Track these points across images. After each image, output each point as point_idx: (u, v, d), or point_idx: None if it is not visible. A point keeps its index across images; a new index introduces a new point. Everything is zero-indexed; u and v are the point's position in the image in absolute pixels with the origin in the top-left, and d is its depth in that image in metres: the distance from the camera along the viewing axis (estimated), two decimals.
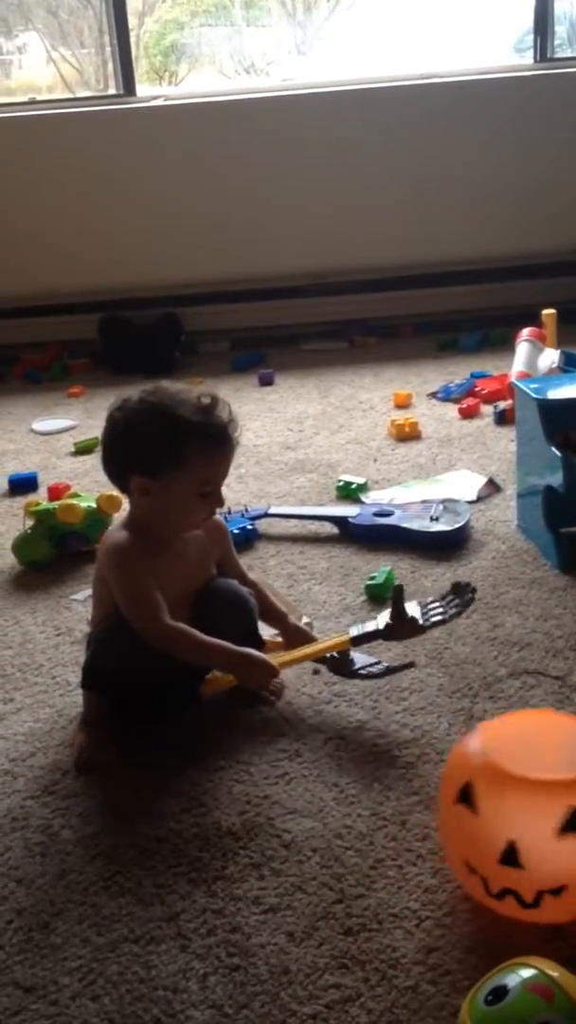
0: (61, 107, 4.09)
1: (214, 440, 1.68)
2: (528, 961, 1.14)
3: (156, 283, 4.04)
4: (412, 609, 1.79)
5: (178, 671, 1.71)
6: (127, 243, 4.02)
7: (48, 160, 3.95)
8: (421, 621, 1.77)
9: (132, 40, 4.04)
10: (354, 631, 1.82)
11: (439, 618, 1.79)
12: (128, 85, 4.04)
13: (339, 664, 1.84)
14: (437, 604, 1.82)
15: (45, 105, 4.13)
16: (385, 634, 1.79)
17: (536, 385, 2.31)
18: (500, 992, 1.11)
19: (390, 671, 1.82)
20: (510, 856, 1.24)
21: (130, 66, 4.02)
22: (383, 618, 1.82)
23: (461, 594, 1.82)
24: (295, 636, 1.88)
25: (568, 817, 1.22)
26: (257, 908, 1.40)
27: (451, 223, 4.00)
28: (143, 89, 4.16)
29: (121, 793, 1.65)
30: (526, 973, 1.12)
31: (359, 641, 1.82)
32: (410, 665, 1.84)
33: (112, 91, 4.12)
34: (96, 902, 1.43)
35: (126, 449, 1.71)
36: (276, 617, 1.89)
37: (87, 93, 4.39)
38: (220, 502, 1.74)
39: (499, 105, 3.92)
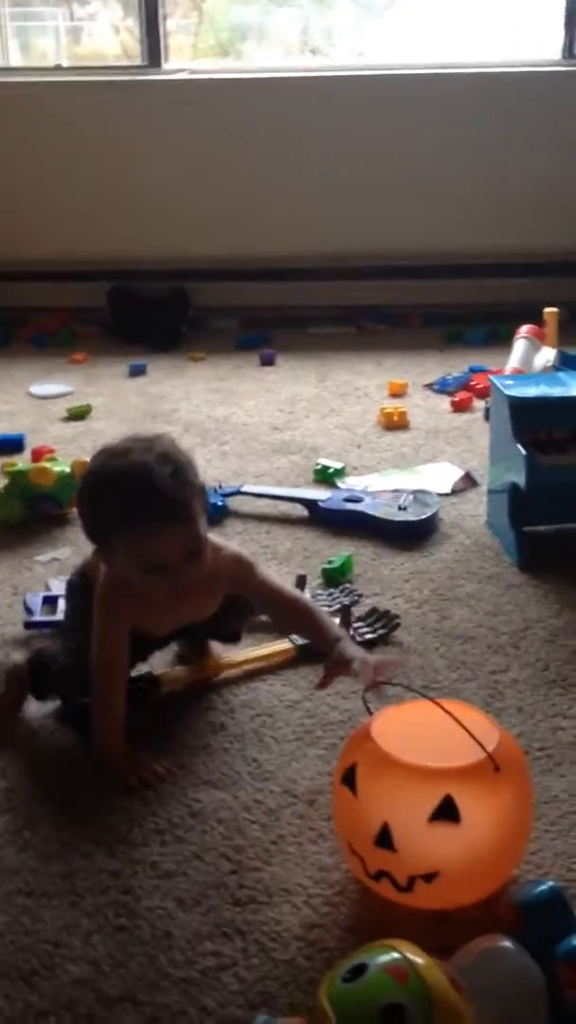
0: (86, 75, 4.10)
1: (141, 527, 1.50)
2: (395, 944, 1.15)
3: (168, 256, 4.05)
4: None
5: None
6: (142, 214, 4.04)
7: (70, 128, 3.97)
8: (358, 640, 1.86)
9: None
10: (300, 640, 1.86)
11: (371, 636, 1.93)
12: (154, 56, 4.04)
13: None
14: (363, 625, 1.95)
15: (70, 72, 4.15)
16: None
17: (511, 382, 2.31)
18: (358, 970, 1.12)
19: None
20: (384, 838, 1.26)
21: (157, 37, 4.02)
22: None
23: (386, 621, 1.97)
24: (337, 665, 1.60)
25: (441, 804, 1.23)
26: (153, 873, 1.42)
27: (468, 215, 3.98)
28: (178, 63, 4.16)
29: (43, 754, 1.67)
30: (387, 955, 1.13)
31: (304, 649, 1.85)
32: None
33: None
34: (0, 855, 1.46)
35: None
36: (325, 640, 1.63)
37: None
38: (178, 576, 1.53)
39: (524, 99, 3.89)
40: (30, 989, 1.24)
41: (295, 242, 4.03)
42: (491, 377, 2.47)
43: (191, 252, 4.06)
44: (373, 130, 3.93)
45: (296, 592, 1.76)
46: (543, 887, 1.22)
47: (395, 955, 1.13)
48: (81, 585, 1.72)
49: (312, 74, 4.02)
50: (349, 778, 1.31)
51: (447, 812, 1.23)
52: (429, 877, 1.25)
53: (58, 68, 4.22)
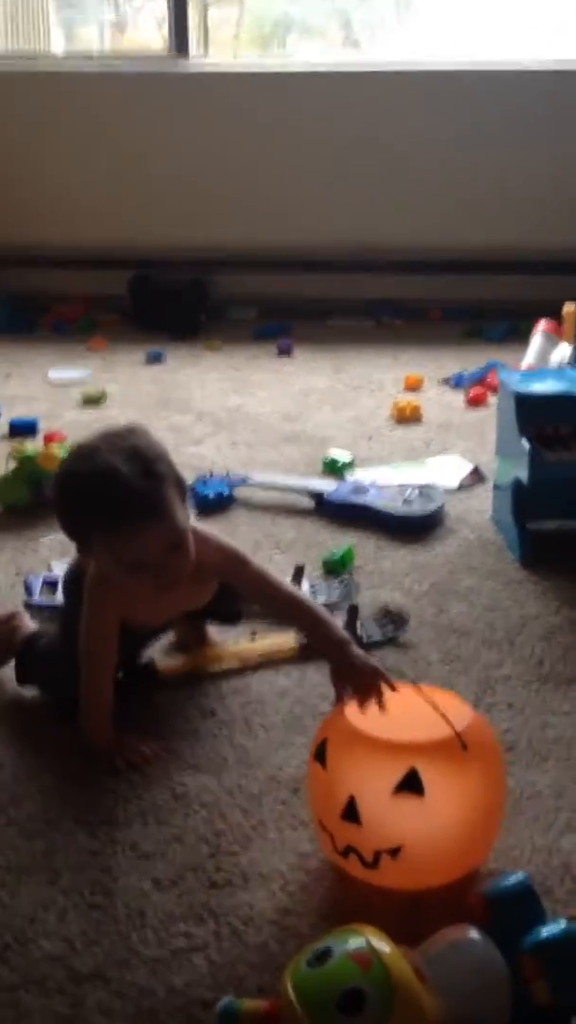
0: (111, 65, 4.11)
1: (116, 529, 1.49)
2: (360, 930, 1.15)
3: (189, 245, 4.08)
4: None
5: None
6: (165, 203, 4.06)
7: (95, 116, 4.01)
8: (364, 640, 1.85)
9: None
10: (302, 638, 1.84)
11: (378, 638, 1.90)
12: (180, 46, 4.05)
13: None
14: (372, 624, 1.93)
15: (96, 62, 4.17)
16: None
17: (519, 378, 2.30)
18: (323, 955, 1.12)
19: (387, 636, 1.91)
20: (351, 811, 1.27)
21: (184, 27, 4.03)
22: None
23: (397, 621, 1.94)
24: (347, 672, 1.48)
25: (405, 777, 1.24)
26: (132, 853, 1.43)
27: (490, 211, 3.98)
28: (212, 55, 4.18)
29: (35, 733, 1.69)
30: (352, 941, 1.13)
31: (307, 648, 1.83)
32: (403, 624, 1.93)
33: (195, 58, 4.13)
34: None
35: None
36: (328, 641, 1.54)
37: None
38: (160, 572, 1.51)
39: (554, 96, 3.87)
40: (2, 963, 1.25)
41: (316, 233, 4.03)
42: (499, 372, 2.46)
43: (212, 241, 4.07)
44: (396, 123, 3.94)
45: (292, 587, 1.72)
46: (512, 879, 1.22)
47: (360, 941, 1.13)
48: (74, 579, 1.71)
49: (337, 68, 4.02)
50: (320, 753, 1.33)
51: (411, 785, 1.24)
52: (394, 852, 1.26)
53: (86, 57, 4.23)
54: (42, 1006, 1.20)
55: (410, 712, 1.33)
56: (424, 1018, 1.08)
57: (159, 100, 3.96)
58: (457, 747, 1.28)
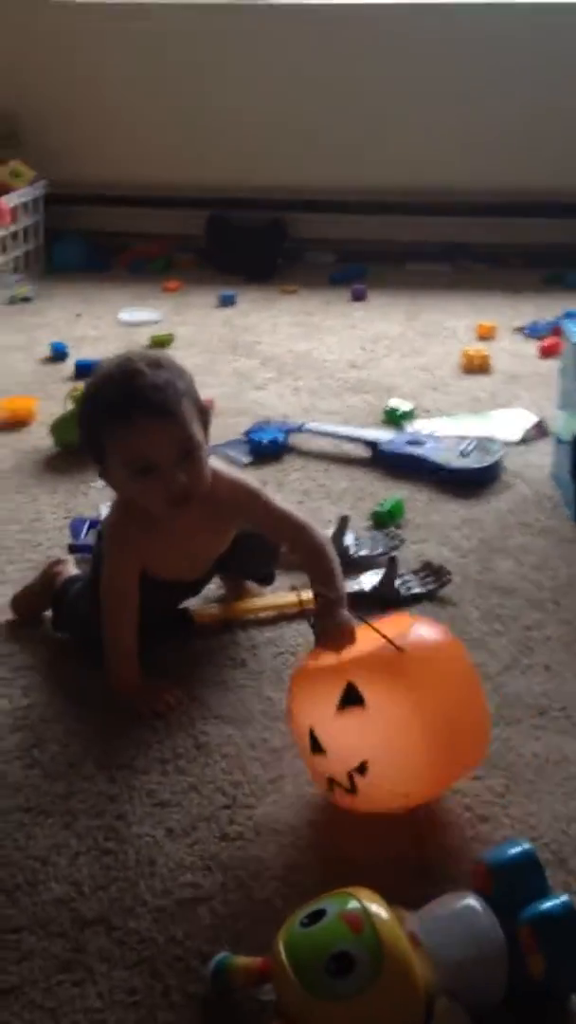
0: None
1: (128, 423, 1.50)
2: (356, 892, 1.14)
3: (268, 185, 4.01)
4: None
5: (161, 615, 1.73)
6: (243, 142, 3.99)
7: (176, 52, 3.94)
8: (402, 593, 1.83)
9: None
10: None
11: (418, 591, 1.88)
12: None
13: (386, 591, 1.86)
14: (412, 579, 1.90)
15: None
16: (368, 596, 1.82)
17: None
18: (317, 915, 1.11)
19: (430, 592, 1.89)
20: (315, 743, 1.34)
21: None
22: (368, 581, 1.87)
23: (438, 575, 1.91)
24: (328, 628, 1.47)
25: (344, 692, 1.29)
26: (148, 800, 1.43)
27: None
28: None
29: (66, 678, 1.70)
30: (347, 903, 1.12)
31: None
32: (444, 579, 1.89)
33: None
34: (6, 770, 1.50)
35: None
36: (324, 591, 1.53)
37: None
38: (170, 478, 1.52)
39: None
40: (11, 903, 1.28)
41: (397, 174, 3.93)
42: (564, 320, 2.37)
43: (292, 182, 4.00)
44: (485, 62, 3.79)
45: (307, 522, 1.64)
46: (517, 848, 1.18)
47: (354, 903, 1.12)
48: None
49: (425, 1, 3.87)
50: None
51: (352, 699, 1.28)
52: (361, 769, 1.29)
53: None
54: (43, 949, 1.21)
55: (365, 643, 1.38)
56: (414, 985, 1.06)
57: (242, 35, 3.88)
58: (391, 653, 1.30)
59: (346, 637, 1.42)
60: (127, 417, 1.50)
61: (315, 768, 1.37)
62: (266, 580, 1.88)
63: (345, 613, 1.48)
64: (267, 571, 1.86)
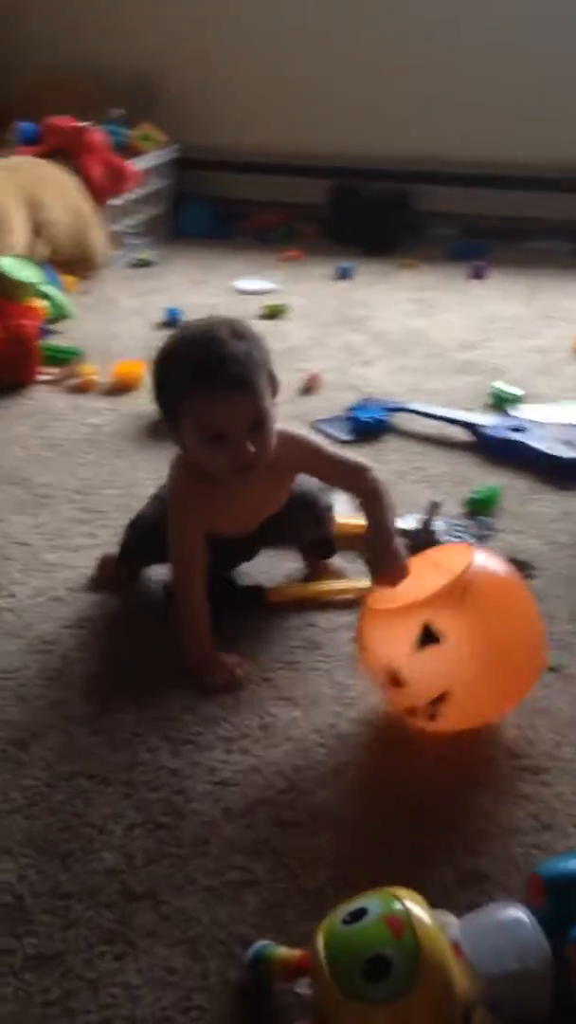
0: None
1: (204, 389, 1.50)
2: (401, 894, 1.11)
3: (394, 156, 3.95)
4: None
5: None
6: (372, 111, 3.94)
7: (307, 18, 3.90)
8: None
9: None
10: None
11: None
12: None
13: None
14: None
15: None
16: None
17: None
18: (359, 914, 1.09)
19: None
20: (395, 677, 1.42)
21: None
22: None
23: (522, 571, 1.79)
24: (381, 559, 1.54)
25: (422, 632, 1.38)
26: (209, 778, 1.43)
27: None
28: None
29: (142, 647, 1.71)
30: (391, 905, 1.09)
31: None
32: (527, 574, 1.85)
33: None
34: (74, 734, 1.51)
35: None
36: (375, 534, 1.57)
37: None
38: (239, 447, 1.52)
39: None
40: (64, 869, 1.29)
41: (524, 148, 3.82)
42: None
43: (418, 153, 3.93)
44: None
45: (365, 463, 1.64)
46: (573, 862, 1.14)
47: (398, 906, 1.10)
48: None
49: None
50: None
51: (430, 637, 1.37)
52: (442, 698, 1.40)
53: None
54: (89, 918, 1.22)
55: (423, 580, 1.48)
56: (450, 996, 1.04)
57: (374, 4, 3.81)
58: (458, 589, 1.39)
59: (400, 572, 1.51)
60: (205, 387, 1.50)
61: (394, 699, 1.46)
62: (326, 551, 1.86)
63: (399, 549, 1.53)
64: (321, 536, 1.84)
